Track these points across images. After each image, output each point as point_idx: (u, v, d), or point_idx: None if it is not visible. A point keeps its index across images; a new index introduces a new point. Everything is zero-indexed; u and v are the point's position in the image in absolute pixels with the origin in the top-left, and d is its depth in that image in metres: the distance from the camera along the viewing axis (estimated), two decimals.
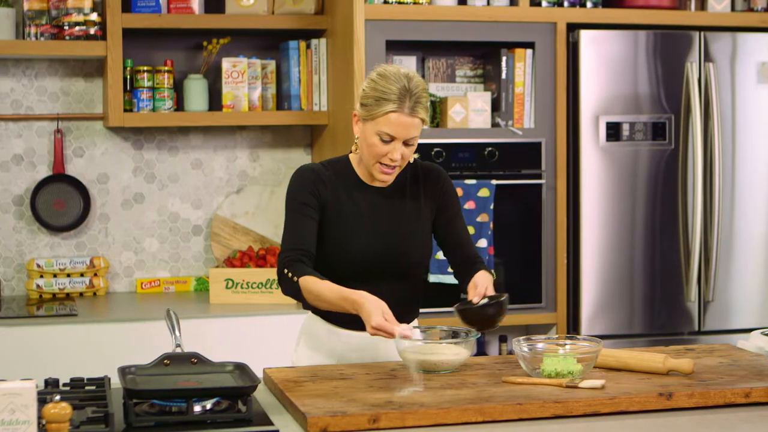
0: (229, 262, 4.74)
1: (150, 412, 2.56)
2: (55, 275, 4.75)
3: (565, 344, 2.92)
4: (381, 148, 2.98)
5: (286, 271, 3.00)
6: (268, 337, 4.31)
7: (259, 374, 2.99)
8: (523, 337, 2.95)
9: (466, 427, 2.50)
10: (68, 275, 4.76)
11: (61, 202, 4.81)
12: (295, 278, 2.97)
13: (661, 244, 4.73)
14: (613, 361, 2.92)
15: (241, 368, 2.77)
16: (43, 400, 2.50)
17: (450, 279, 4.52)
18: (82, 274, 4.78)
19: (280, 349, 4.19)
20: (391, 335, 2.80)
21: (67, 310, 4.41)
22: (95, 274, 4.79)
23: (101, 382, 2.81)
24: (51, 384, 2.79)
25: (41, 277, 4.74)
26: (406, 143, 2.98)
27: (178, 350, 2.85)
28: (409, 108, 2.94)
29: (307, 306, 3.10)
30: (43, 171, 4.82)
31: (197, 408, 2.54)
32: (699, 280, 4.76)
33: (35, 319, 4.28)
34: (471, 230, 4.51)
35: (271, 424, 2.50)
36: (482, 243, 4.52)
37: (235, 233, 4.93)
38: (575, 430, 2.50)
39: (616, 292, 4.69)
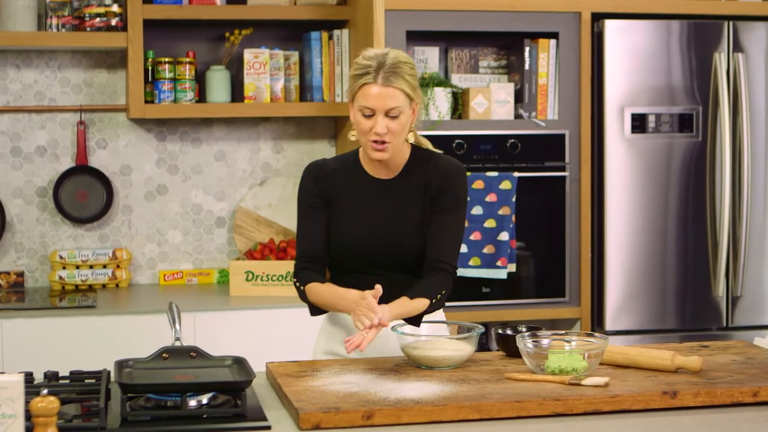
0: (250, 255, 4.72)
1: (145, 406, 2.54)
2: (77, 267, 4.75)
3: (571, 340, 2.85)
4: (365, 124, 2.99)
5: (295, 280, 3.14)
6: (285, 330, 4.28)
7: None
8: (528, 332, 2.89)
9: (462, 425, 2.45)
10: (91, 267, 4.76)
11: (84, 193, 4.81)
12: (302, 287, 3.11)
13: (688, 238, 4.64)
14: (621, 357, 2.85)
15: (240, 363, 2.74)
16: (37, 393, 2.49)
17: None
18: (104, 266, 4.78)
19: (297, 343, 4.17)
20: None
21: (89, 301, 4.41)
22: (118, 266, 4.79)
23: (101, 376, 2.79)
24: (50, 377, 2.78)
25: (64, 268, 4.74)
26: (388, 115, 2.96)
27: (178, 344, 2.82)
28: (384, 78, 2.94)
29: (316, 311, 3.15)
30: (66, 163, 4.82)
31: (193, 402, 2.52)
32: (727, 275, 4.67)
33: (54, 311, 4.28)
34: (492, 223, 4.46)
35: (265, 419, 2.47)
36: (504, 236, 4.46)
37: (258, 225, 4.91)
38: (575, 428, 2.44)
39: (641, 286, 4.61)
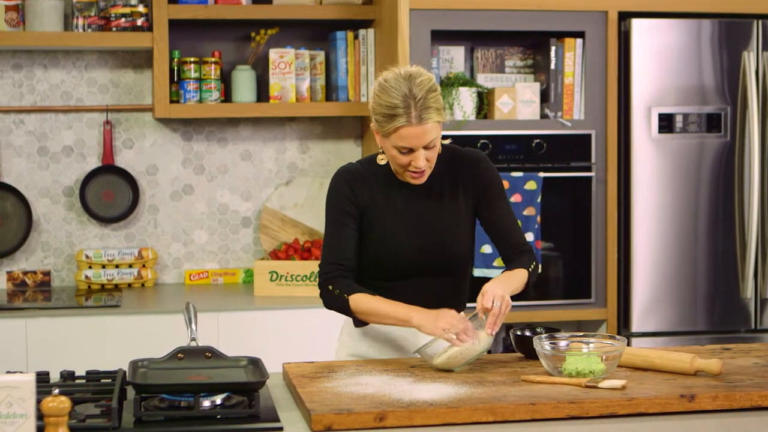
0: (275, 255, 4.72)
1: (159, 406, 2.53)
2: (103, 266, 4.77)
3: (589, 342, 2.82)
4: (403, 159, 2.93)
5: (331, 287, 3.02)
6: (308, 330, 4.27)
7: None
8: (546, 334, 2.86)
9: (476, 427, 2.43)
10: (117, 266, 4.78)
11: (110, 193, 4.83)
12: (345, 295, 2.99)
13: (716, 239, 4.60)
14: (640, 360, 2.82)
15: (255, 363, 2.73)
16: (50, 392, 2.49)
17: (495, 273, 4.44)
18: (130, 266, 4.79)
19: (320, 343, 4.16)
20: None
21: (113, 301, 4.42)
22: (143, 266, 4.80)
23: (117, 376, 2.79)
24: (65, 377, 2.79)
25: (90, 268, 4.76)
26: (426, 148, 2.91)
27: (193, 344, 2.82)
28: (417, 117, 2.85)
29: (360, 322, 3.06)
30: (93, 162, 4.84)
31: (206, 403, 2.51)
32: (755, 276, 4.62)
33: (78, 310, 4.29)
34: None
35: (278, 420, 2.46)
36: (529, 237, 4.43)
37: (283, 225, 4.91)
38: (589, 431, 2.41)
39: (668, 288, 4.57)
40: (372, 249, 3.05)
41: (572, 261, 4.59)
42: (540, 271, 3.12)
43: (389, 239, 3.03)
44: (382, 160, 3.05)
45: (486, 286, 2.87)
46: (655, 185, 4.53)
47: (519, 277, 2.99)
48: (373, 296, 2.98)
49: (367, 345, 3.13)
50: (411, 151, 2.90)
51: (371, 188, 3.05)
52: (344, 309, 3.02)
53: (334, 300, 3.02)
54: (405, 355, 3.10)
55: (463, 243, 3.09)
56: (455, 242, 3.06)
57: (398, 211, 3.05)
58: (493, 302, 2.82)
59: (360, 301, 2.98)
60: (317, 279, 3.08)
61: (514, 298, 2.93)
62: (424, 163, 2.92)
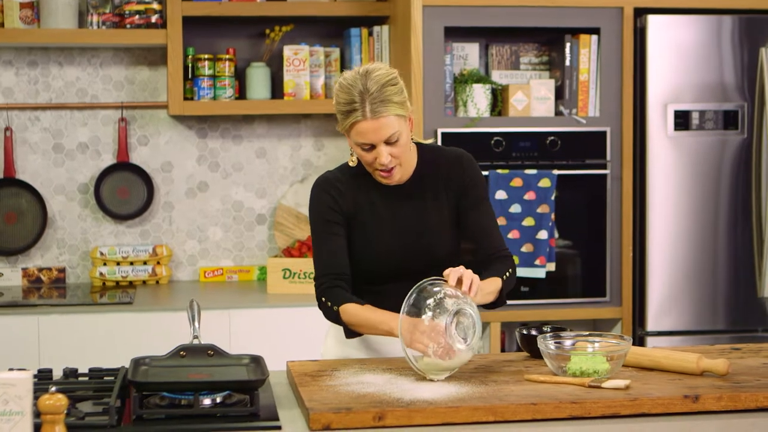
0: (288, 252, 4.71)
1: (160, 404, 2.53)
2: (118, 263, 4.77)
3: (594, 342, 2.79)
4: (367, 156, 2.90)
5: (324, 299, 2.97)
6: (320, 328, 4.23)
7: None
8: (551, 333, 2.84)
9: (476, 427, 2.41)
10: (131, 263, 4.78)
11: (125, 190, 4.83)
12: (335, 307, 2.94)
13: (733, 237, 4.55)
14: (647, 360, 2.79)
15: (256, 361, 2.72)
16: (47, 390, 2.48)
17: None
18: (144, 263, 4.79)
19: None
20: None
21: (127, 298, 4.42)
22: (158, 263, 4.80)
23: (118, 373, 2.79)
24: (68, 374, 2.78)
25: (104, 265, 4.76)
26: (388, 143, 2.87)
27: (196, 342, 2.81)
28: (371, 111, 2.82)
29: (352, 334, 2.99)
30: (108, 159, 4.85)
31: (207, 401, 2.50)
32: None
33: (90, 307, 4.30)
34: (530, 221, 4.40)
35: (277, 419, 2.45)
36: (542, 235, 4.40)
37: (298, 223, 4.89)
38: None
39: (684, 286, 4.53)
40: (358, 253, 3.01)
41: (587, 259, 4.55)
42: (514, 280, 3.02)
43: (374, 242, 3.00)
44: (352, 162, 3.02)
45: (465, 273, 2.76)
46: (670, 183, 4.49)
47: (490, 285, 2.88)
48: (362, 306, 2.91)
49: (353, 348, 3.10)
50: (373, 147, 2.87)
51: (353, 193, 3.02)
52: (337, 321, 2.97)
53: (328, 312, 2.98)
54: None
55: (449, 244, 3.04)
56: (441, 243, 3.02)
57: (381, 214, 3.01)
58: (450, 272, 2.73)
59: (348, 312, 2.92)
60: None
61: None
62: (387, 159, 2.88)
